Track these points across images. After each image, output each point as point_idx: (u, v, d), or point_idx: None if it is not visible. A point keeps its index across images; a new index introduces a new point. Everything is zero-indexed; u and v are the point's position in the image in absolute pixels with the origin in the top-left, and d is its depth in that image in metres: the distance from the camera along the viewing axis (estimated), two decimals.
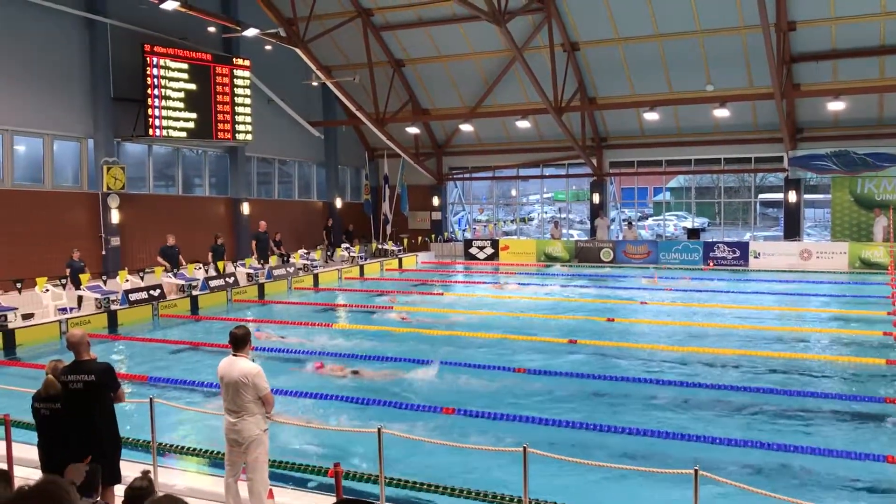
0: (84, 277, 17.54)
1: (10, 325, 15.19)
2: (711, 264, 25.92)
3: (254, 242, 23.75)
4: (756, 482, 7.38)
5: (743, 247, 26.13)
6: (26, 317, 15.96)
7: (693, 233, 28.41)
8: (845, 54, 22.89)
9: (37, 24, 19.31)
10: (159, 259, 20.27)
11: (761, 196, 35.79)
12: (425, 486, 7.15)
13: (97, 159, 20.74)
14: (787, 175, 26.23)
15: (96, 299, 17.30)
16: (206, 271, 20.95)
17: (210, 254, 21.47)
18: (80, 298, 17.22)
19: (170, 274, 19.75)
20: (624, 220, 31.53)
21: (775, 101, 22.86)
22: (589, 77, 26.42)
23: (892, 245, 23.22)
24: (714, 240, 27.56)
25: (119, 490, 5.98)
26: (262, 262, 22.94)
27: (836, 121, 24.87)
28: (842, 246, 24.76)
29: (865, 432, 9.24)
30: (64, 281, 17.45)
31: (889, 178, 24.76)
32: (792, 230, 26.76)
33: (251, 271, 21.83)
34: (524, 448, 6.09)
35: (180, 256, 20.41)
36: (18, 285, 16.54)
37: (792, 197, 26.53)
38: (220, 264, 21.01)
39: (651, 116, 24.80)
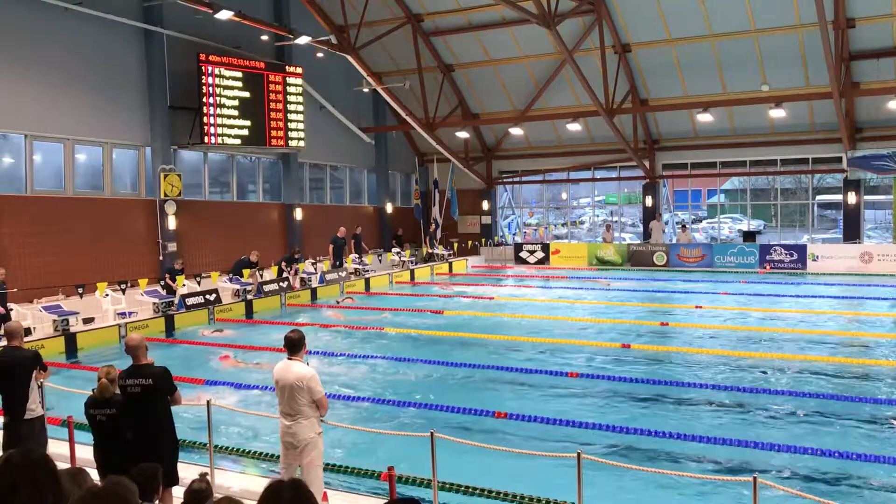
0: (179, 280, 18.67)
1: (73, 329, 15.61)
2: (768, 267, 25.42)
3: (331, 247, 24.11)
4: (815, 490, 7.23)
5: (800, 249, 25.58)
6: (87, 321, 16.40)
7: (749, 235, 27.88)
8: None
9: (96, 35, 19.81)
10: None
11: (819, 198, 34.94)
12: (478, 491, 7.15)
13: (155, 167, 21.19)
14: (846, 176, 25.59)
15: (154, 303, 17.69)
16: (262, 276, 21.24)
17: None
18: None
19: (226, 279, 20.12)
20: (678, 223, 31.10)
21: (833, 100, 22.32)
22: (641, 78, 26.15)
23: None
24: (770, 242, 27.01)
25: (177, 492, 6.11)
26: (336, 264, 23.79)
27: None
28: None
29: None
30: (124, 286, 17.87)
31: None
32: (851, 232, 26.07)
33: (304, 276, 22.09)
34: (578, 454, 6.04)
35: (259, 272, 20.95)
36: (80, 290, 16.98)
37: (851, 198, 25.85)
38: (274, 269, 21.35)
39: (704, 118, 24.44)
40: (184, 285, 18.95)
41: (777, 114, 23.59)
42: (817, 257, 25.15)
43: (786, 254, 25.54)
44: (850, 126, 24.29)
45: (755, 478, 5.57)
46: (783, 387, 11.11)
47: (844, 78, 22.33)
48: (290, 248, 23.75)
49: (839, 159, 25.65)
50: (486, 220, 32.34)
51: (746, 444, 8.60)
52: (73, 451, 8.11)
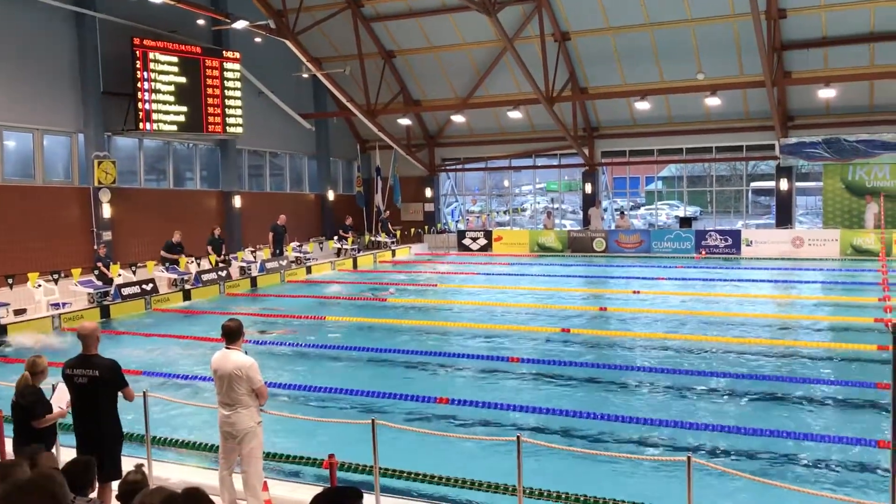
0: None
1: (3, 321, 15.15)
2: (704, 253, 25.99)
3: (271, 234, 23.81)
4: (748, 468, 7.46)
5: (735, 235, 26.21)
6: (18, 312, 15.93)
7: (685, 221, 28.46)
8: (836, 42, 22.93)
9: (25, 18, 19.16)
10: (163, 254, 20.25)
11: (753, 184, 35.87)
12: (420, 476, 7.18)
13: (88, 154, 20.64)
14: (779, 163, 26.28)
15: (89, 294, 17.28)
16: (199, 265, 20.91)
17: (208, 247, 21.50)
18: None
19: (162, 268, 19.74)
20: (616, 210, 31.59)
21: (766, 88, 22.88)
22: (580, 67, 26.41)
23: (883, 232, 23.33)
24: (706, 228, 27.62)
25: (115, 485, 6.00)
26: (276, 252, 23.63)
27: (827, 108, 24.91)
28: (833, 233, 24.85)
29: (857, 417, 9.30)
30: (56, 276, 17.41)
31: (880, 165, 24.86)
32: (784, 218, 26.83)
33: (243, 264, 21.81)
34: (518, 437, 6.12)
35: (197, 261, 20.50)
36: (10, 281, 16.48)
37: (783, 185, 26.59)
38: (212, 258, 21.02)
39: (642, 106, 24.81)
40: (119, 275, 18.54)
41: (712, 102, 24.10)
42: (751, 242, 25.80)
43: (721, 239, 26.15)
44: (782, 114, 24.94)
45: (689, 457, 5.71)
46: (718, 368, 11.38)
47: (777, 67, 22.90)
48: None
49: (772, 147, 26.29)
50: (430, 207, 32.35)
51: (682, 424, 8.81)
52: (2, 446, 7.88)
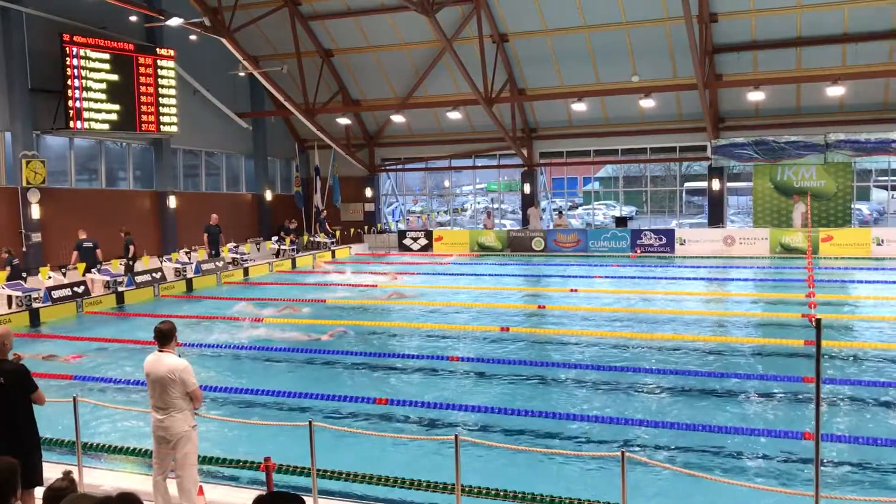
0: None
1: None
2: (639, 251, 26.45)
3: (205, 235, 23.37)
4: (680, 462, 7.63)
5: (669, 234, 26.74)
6: None
7: (621, 221, 28.92)
8: (764, 45, 23.63)
9: None
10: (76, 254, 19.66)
11: (687, 184, 36.57)
12: (358, 477, 7.16)
13: (15, 153, 20.02)
14: (711, 163, 26.91)
15: (17, 297, 16.76)
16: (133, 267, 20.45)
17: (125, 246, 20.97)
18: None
19: (94, 270, 19.24)
20: (554, 210, 31.93)
21: (698, 91, 23.42)
22: (518, 68, 26.64)
23: (810, 231, 24.08)
24: (641, 228, 28.12)
25: (40, 493, 5.84)
26: (212, 253, 23.13)
27: (756, 110, 25.62)
28: (763, 232, 25.55)
29: (784, 410, 9.58)
30: None
31: (807, 166, 25.65)
32: (716, 217, 27.48)
33: (178, 266, 21.42)
34: (455, 436, 6.16)
35: (98, 251, 19.71)
36: None
37: (715, 185, 27.24)
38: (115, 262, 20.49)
39: (579, 107, 25.14)
40: (49, 277, 18.02)
41: (647, 104, 24.52)
42: (684, 241, 26.36)
43: (655, 238, 26.65)
44: (713, 116, 25.56)
45: (623, 452, 5.82)
46: (652, 364, 11.61)
47: (708, 70, 23.47)
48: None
49: (704, 148, 26.93)
50: (370, 207, 32.25)
51: (618, 420, 8.96)
52: None
